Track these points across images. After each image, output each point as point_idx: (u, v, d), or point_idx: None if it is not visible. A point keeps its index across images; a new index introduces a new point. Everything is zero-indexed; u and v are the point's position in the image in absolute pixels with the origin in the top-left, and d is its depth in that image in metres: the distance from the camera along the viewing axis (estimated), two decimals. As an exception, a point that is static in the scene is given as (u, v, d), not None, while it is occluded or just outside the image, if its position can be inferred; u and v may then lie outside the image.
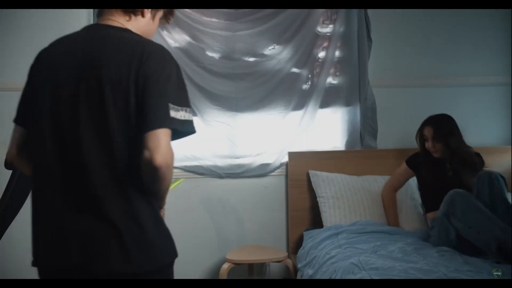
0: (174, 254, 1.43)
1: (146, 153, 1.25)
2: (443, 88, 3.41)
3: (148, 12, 1.50)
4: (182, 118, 1.32)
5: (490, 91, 3.48)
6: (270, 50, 3.38)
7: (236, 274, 3.13)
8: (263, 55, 3.37)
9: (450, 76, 3.46)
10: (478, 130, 3.28)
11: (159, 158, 1.25)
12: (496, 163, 3.15)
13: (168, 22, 1.63)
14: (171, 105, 1.30)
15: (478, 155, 2.95)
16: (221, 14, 3.30)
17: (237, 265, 2.99)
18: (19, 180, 2.10)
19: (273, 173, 3.37)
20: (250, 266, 3.14)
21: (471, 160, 2.87)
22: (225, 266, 2.94)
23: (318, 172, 3.25)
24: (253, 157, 3.35)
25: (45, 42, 1.49)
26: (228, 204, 3.37)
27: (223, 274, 2.91)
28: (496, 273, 2.11)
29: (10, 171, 2.09)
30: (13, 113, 1.47)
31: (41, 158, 1.38)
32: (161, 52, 1.38)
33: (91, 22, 3.17)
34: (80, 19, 3.19)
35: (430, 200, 2.92)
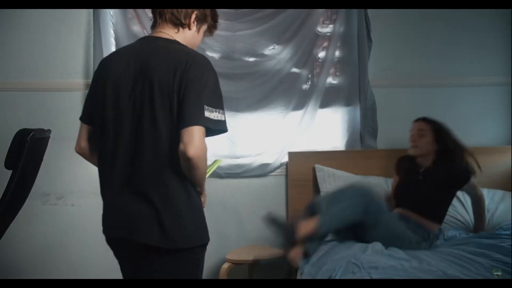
0: (207, 238, 1.66)
1: (181, 146, 1.49)
2: (443, 88, 3.41)
3: (193, 25, 1.75)
4: (215, 118, 1.55)
5: (490, 91, 3.48)
6: (270, 50, 3.38)
7: (236, 274, 3.13)
8: (263, 55, 3.37)
9: (450, 76, 3.46)
10: (478, 130, 3.28)
11: (192, 151, 1.48)
12: (496, 163, 3.15)
13: (212, 35, 1.89)
14: (206, 107, 1.53)
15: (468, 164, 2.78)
16: (221, 14, 3.23)
17: (237, 265, 2.99)
18: (19, 180, 2.10)
19: (273, 173, 3.38)
20: (250, 266, 3.14)
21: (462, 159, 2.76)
22: (225, 266, 2.94)
23: (325, 167, 3.24)
24: (253, 157, 3.35)
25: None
26: (228, 204, 3.37)
27: (223, 274, 2.91)
28: (496, 273, 2.10)
29: (10, 171, 2.09)
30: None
31: (105, 150, 1.65)
32: (202, 61, 1.62)
33: (91, 22, 3.17)
34: (80, 19, 3.20)
35: (398, 196, 2.89)
